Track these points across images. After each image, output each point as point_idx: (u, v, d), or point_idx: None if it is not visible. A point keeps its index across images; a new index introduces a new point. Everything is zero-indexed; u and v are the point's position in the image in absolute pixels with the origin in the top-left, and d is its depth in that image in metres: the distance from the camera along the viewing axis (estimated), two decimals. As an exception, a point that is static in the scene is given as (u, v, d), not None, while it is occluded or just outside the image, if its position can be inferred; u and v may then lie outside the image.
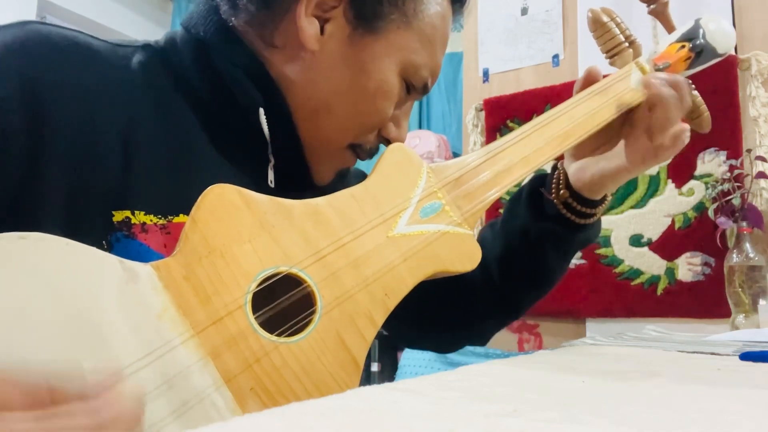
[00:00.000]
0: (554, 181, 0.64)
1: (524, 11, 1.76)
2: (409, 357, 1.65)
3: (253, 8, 0.54)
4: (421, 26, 0.56)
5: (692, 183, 1.39)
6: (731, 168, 1.33)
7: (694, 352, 0.61)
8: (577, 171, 0.63)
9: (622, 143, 0.61)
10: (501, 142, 0.56)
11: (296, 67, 0.55)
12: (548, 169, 0.67)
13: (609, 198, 0.65)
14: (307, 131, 0.56)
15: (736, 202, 1.28)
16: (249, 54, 0.55)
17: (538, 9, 1.73)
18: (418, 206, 0.48)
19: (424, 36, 0.56)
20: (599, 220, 0.67)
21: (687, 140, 0.59)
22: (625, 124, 0.62)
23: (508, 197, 0.72)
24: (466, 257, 0.49)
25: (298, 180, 0.59)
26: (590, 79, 0.63)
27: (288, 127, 0.56)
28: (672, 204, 1.41)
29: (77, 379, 0.28)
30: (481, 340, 0.76)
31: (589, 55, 1.60)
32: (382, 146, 0.59)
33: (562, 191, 0.63)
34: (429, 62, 0.58)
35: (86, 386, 0.28)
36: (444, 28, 0.59)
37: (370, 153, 0.61)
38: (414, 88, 0.58)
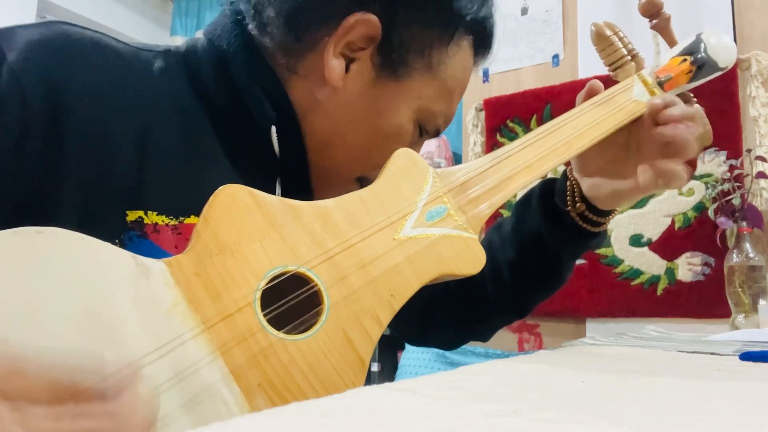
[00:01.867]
0: (568, 192, 0.65)
1: (524, 11, 1.76)
2: (409, 357, 1.65)
3: (282, 36, 0.54)
4: (443, 77, 0.57)
5: (692, 183, 1.39)
6: (731, 168, 1.33)
7: (694, 352, 0.61)
8: (591, 188, 0.64)
9: (633, 161, 0.62)
10: (505, 149, 0.56)
11: (315, 98, 0.55)
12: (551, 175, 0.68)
13: (618, 208, 0.67)
14: (318, 160, 0.57)
15: (736, 202, 1.28)
16: (270, 73, 0.55)
17: (538, 9, 1.73)
18: (424, 210, 0.49)
19: (444, 86, 0.57)
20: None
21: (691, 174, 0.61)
22: (632, 141, 0.63)
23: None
24: (471, 261, 0.50)
25: (303, 195, 0.61)
26: (592, 93, 0.63)
27: (298, 149, 0.56)
28: (672, 204, 1.41)
29: (98, 374, 0.28)
30: (484, 336, 0.78)
31: (589, 56, 1.60)
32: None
33: (578, 204, 0.64)
34: (445, 111, 0.59)
35: (106, 383, 0.28)
36: (465, 79, 0.60)
37: None
38: (426, 132, 0.59)
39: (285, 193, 0.57)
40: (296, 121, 0.55)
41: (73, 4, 3.05)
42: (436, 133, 0.60)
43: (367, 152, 0.57)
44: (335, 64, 0.53)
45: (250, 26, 0.55)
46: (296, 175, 0.58)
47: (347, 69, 0.54)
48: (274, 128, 0.54)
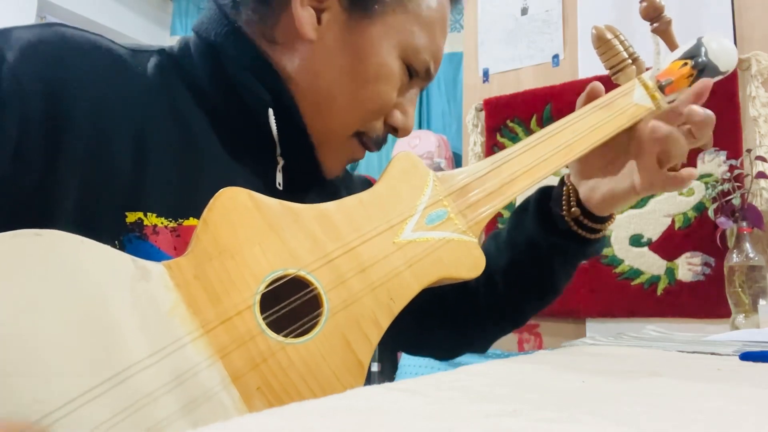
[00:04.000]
0: (564, 197, 0.64)
1: (524, 11, 1.76)
2: (409, 357, 1.65)
3: (253, 7, 0.55)
4: (416, 9, 0.56)
5: (692, 183, 1.39)
6: (731, 168, 1.33)
7: (694, 352, 0.61)
8: (588, 191, 0.63)
9: (631, 165, 0.61)
10: (506, 152, 0.56)
11: (296, 59, 0.55)
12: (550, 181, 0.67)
13: (615, 214, 0.65)
14: (313, 123, 0.57)
15: (736, 202, 1.28)
16: (257, 55, 0.55)
17: (538, 9, 1.73)
18: (424, 213, 0.49)
19: (421, 18, 0.57)
20: (605, 235, 0.67)
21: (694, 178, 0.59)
22: (631, 145, 0.62)
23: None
24: (471, 264, 0.50)
25: (306, 182, 0.60)
26: (593, 95, 0.63)
27: (297, 125, 0.56)
28: (672, 204, 1.41)
29: None
30: (481, 348, 0.76)
31: (589, 56, 1.60)
32: (389, 146, 0.59)
33: (573, 209, 0.63)
34: (429, 46, 0.58)
35: None
36: (442, 11, 0.59)
37: (377, 143, 0.61)
38: (416, 72, 0.58)
39: (287, 179, 0.58)
40: (290, 97, 0.55)
41: (73, 4, 3.05)
42: (428, 75, 0.59)
43: (358, 102, 0.56)
44: (305, 15, 0.53)
45: (227, 9, 0.56)
46: (299, 153, 0.57)
47: (319, 21, 0.54)
48: (271, 111, 0.54)
